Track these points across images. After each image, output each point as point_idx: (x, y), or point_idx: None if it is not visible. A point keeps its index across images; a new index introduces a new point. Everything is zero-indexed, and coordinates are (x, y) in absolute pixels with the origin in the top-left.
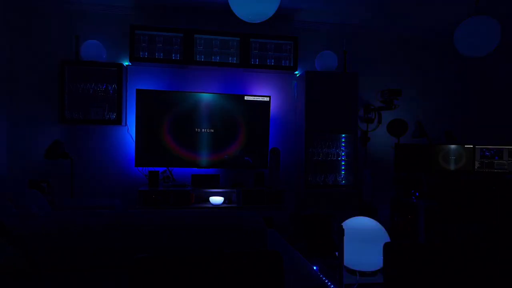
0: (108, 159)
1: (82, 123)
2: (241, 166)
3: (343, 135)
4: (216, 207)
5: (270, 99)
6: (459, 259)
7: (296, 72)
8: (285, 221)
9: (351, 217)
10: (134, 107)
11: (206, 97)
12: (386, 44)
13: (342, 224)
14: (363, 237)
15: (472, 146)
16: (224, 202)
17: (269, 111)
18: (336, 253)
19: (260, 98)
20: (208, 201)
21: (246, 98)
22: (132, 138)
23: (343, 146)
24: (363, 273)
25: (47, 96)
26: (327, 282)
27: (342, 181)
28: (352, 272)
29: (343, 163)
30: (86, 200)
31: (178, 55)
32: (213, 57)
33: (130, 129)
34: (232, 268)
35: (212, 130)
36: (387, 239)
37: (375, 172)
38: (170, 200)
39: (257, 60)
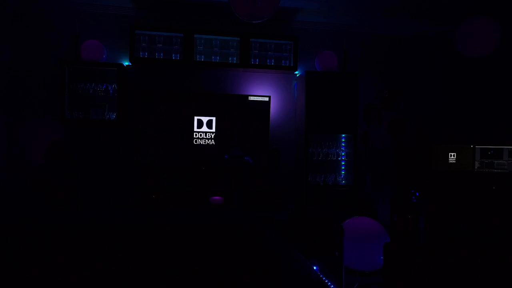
0: (108, 159)
1: (82, 123)
2: (241, 166)
3: (343, 135)
4: (216, 207)
5: (270, 99)
6: (459, 259)
7: (296, 72)
8: (285, 221)
9: (351, 217)
10: (134, 106)
11: (205, 96)
12: (386, 44)
13: (342, 224)
14: (363, 237)
15: (472, 146)
16: (224, 202)
17: (269, 111)
18: (336, 253)
19: (260, 98)
20: (208, 201)
21: (246, 98)
22: (132, 138)
23: (343, 146)
24: (363, 273)
25: (47, 96)
26: (327, 282)
27: (342, 181)
28: (352, 272)
29: (343, 163)
30: (86, 199)
31: (178, 55)
32: (213, 57)
33: (130, 128)
34: (232, 268)
35: (212, 130)
36: (387, 239)
37: (375, 172)
38: (170, 200)
39: (257, 60)
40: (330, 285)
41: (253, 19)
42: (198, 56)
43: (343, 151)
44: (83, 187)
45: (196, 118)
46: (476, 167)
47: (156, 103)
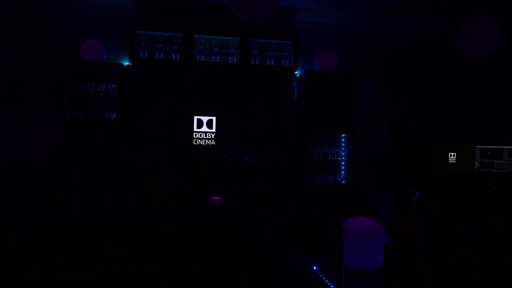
0: (108, 159)
1: (82, 123)
2: (241, 166)
3: (343, 135)
4: (216, 207)
5: (270, 99)
6: (459, 259)
7: (296, 72)
8: (285, 221)
9: (351, 217)
10: (134, 106)
11: (205, 96)
12: (386, 44)
13: (342, 224)
14: (363, 237)
15: (472, 146)
16: (224, 202)
17: (269, 111)
18: (336, 253)
19: (260, 98)
20: (208, 201)
21: (246, 98)
22: (132, 138)
23: (343, 146)
24: (363, 273)
25: (47, 96)
26: (327, 282)
27: (342, 181)
28: (352, 272)
29: (343, 163)
30: (86, 199)
31: (178, 55)
32: (213, 57)
33: (130, 128)
34: (232, 268)
35: (212, 130)
36: (387, 239)
37: (375, 172)
38: (170, 200)
39: (257, 60)
40: (330, 285)
41: (253, 19)
42: (198, 56)
43: (343, 151)
44: (83, 187)
45: (196, 118)
46: (476, 167)
47: (156, 103)
